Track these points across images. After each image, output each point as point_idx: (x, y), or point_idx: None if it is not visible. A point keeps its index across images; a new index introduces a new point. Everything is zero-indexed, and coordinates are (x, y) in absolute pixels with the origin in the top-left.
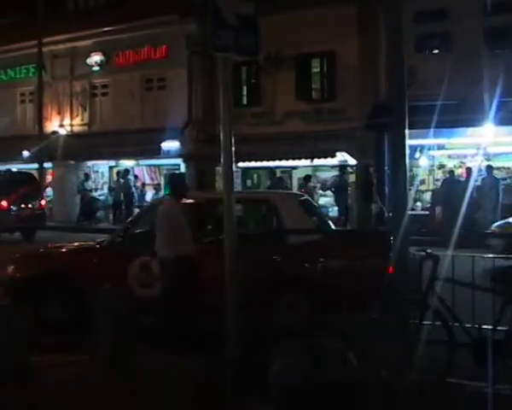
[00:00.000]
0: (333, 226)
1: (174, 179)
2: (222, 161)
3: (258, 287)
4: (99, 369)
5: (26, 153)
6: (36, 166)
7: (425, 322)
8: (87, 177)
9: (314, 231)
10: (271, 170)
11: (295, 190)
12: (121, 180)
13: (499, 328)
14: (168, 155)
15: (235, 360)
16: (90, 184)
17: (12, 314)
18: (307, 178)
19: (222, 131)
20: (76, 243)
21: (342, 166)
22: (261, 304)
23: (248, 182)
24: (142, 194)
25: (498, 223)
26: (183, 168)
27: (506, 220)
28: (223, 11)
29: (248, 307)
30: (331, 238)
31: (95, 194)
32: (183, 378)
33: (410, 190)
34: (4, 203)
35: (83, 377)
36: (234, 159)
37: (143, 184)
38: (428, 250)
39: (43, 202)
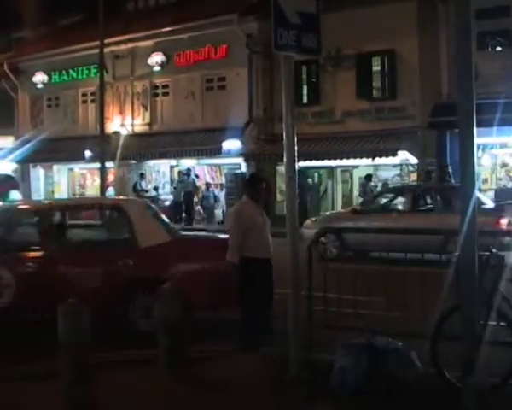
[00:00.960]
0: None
1: (250, 179)
2: (285, 159)
3: (110, 291)
4: (160, 368)
5: (88, 153)
6: (98, 165)
7: (490, 322)
8: (142, 176)
9: (163, 235)
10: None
11: (356, 189)
12: (184, 178)
13: None
14: (229, 154)
15: (299, 359)
16: (145, 184)
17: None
18: (368, 177)
19: (284, 130)
20: None
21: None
22: (115, 307)
23: (309, 181)
24: (211, 193)
25: None
26: (243, 168)
27: None
28: (285, 10)
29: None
30: (179, 243)
31: (154, 193)
32: (239, 378)
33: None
34: None
35: (144, 376)
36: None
37: (208, 184)
38: (493, 250)
39: None
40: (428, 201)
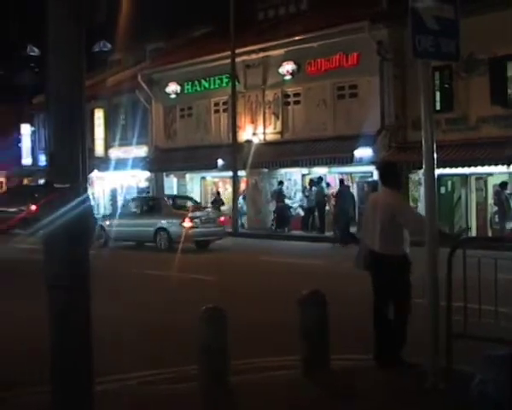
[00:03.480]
0: None
1: (388, 169)
2: (424, 166)
3: None
4: (298, 375)
5: (220, 161)
6: (230, 173)
7: None
8: (281, 184)
9: None
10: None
11: (490, 197)
12: (314, 188)
13: None
14: (361, 162)
15: (437, 369)
16: (285, 192)
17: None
18: (503, 184)
19: (423, 137)
20: None
21: None
22: None
23: (442, 189)
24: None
25: None
26: (375, 176)
27: None
28: (423, 16)
29: None
30: None
31: (288, 201)
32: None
33: None
34: None
35: (281, 382)
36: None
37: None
38: None
39: None
40: None
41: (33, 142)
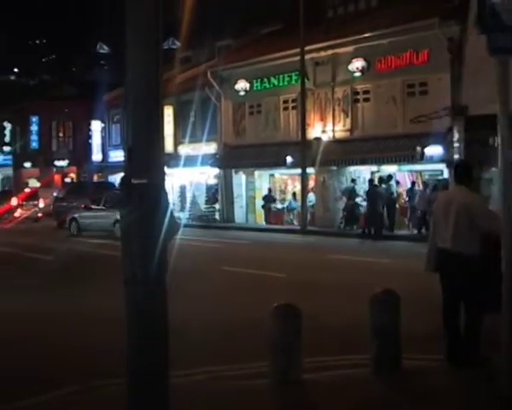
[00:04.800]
0: None
1: (464, 167)
2: (499, 163)
3: None
4: (371, 371)
5: (289, 159)
6: (299, 171)
7: None
8: (354, 182)
9: None
10: None
11: None
12: (383, 186)
13: None
14: (431, 160)
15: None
16: (358, 189)
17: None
18: None
19: (499, 134)
20: None
21: None
22: None
23: None
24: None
25: None
26: (445, 174)
27: None
28: (500, 12)
29: None
30: None
31: (357, 199)
32: (451, 388)
33: None
34: None
35: (352, 379)
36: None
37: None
38: None
39: None
40: None
41: (104, 138)
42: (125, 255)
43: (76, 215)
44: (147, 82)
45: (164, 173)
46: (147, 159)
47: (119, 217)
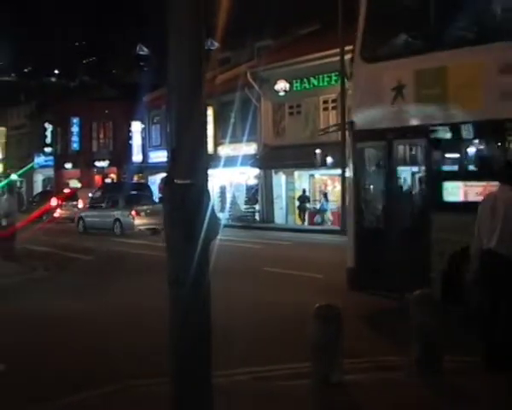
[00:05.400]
0: None
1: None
2: None
3: None
4: (413, 373)
5: (329, 159)
6: (339, 171)
7: None
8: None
9: None
10: None
11: None
12: None
13: None
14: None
15: None
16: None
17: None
18: None
19: None
20: None
21: None
22: None
23: None
24: None
25: None
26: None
27: None
28: None
29: None
30: None
31: None
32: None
33: None
34: None
35: (393, 380)
36: None
37: None
38: None
39: None
40: None
41: (144, 139)
42: (168, 257)
43: (82, 214)
44: (189, 82)
45: (207, 174)
46: (190, 159)
47: (118, 216)
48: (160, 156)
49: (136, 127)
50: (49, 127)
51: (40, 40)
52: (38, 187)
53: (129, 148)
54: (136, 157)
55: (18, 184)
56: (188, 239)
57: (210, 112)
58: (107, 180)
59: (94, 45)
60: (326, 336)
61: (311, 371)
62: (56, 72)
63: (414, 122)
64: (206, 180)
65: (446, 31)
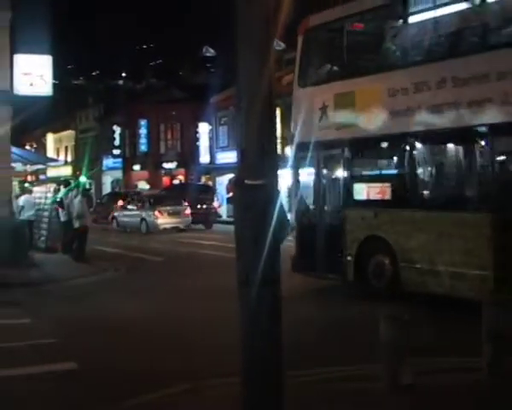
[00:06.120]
0: None
1: None
2: None
3: None
4: (484, 374)
5: None
6: None
7: None
8: None
9: None
10: None
11: None
12: None
13: None
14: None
15: None
16: None
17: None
18: None
19: None
20: None
21: None
22: None
23: None
24: None
25: None
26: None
27: None
28: None
29: None
30: None
31: None
32: None
33: None
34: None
35: (465, 381)
36: None
37: None
38: None
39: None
40: None
41: (211, 140)
42: (238, 257)
43: (116, 214)
44: (259, 82)
45: (277, 174)
46: (260, 160)
47: (144, 216)
48: (227, 157)
49: (204, 128)
50: (117, 130)
51: (107, 43)
52: (107, 188)
53: (196, 149)
54: (204, 158)
55: (87, 186)
56: (258, 240)
57: (277, 112)
58: (175, 182)
59: (160, 47)
60: (396, 337)
61: (382, 373)
62: (124, 74)
63: (333, 136)
64: (276, 181)
65: (353, 64)
